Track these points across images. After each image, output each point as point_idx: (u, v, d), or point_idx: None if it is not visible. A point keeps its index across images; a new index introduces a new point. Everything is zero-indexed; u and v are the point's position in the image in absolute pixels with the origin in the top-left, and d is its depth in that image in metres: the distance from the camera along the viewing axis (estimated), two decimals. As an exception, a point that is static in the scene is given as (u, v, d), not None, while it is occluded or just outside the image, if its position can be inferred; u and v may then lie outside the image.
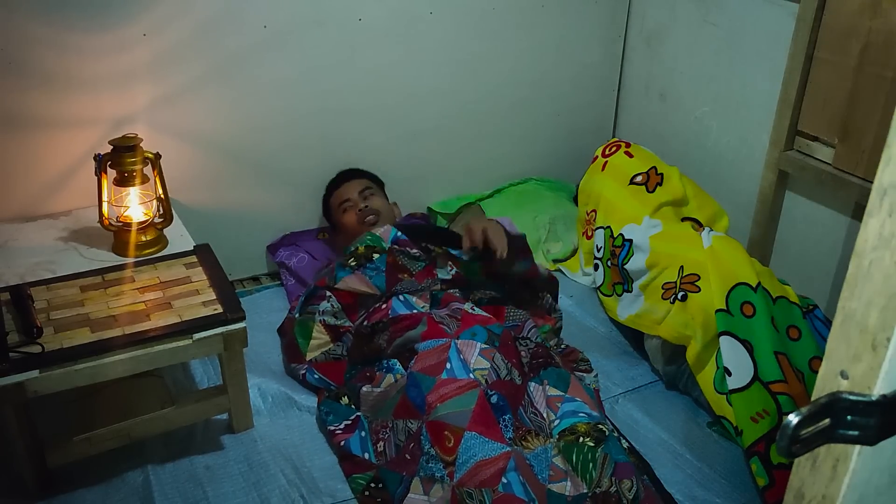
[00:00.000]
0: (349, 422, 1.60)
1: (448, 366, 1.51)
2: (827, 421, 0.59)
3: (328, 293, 1.79)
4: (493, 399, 1.46)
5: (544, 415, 1.53)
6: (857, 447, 0.62)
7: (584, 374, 1.77)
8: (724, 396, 1.58)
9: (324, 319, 1.77)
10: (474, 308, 1.73)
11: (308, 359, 1.76)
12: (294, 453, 1.58)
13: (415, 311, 1.72)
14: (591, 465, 1.39)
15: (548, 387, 1.58)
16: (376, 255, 1.82)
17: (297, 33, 2.00)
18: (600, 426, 1.48)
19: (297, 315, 1.81)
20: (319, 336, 1.77)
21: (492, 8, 2.26)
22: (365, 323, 1.76)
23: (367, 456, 1.52)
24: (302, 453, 1.58)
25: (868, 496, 0.66)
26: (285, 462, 1.56)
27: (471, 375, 1.49)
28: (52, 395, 1.37)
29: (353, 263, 1.81)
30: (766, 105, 2.03)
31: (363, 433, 1.56)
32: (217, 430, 1.63)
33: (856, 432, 0.59)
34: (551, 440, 1.45)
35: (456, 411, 1.42)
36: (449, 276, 1.84)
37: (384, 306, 1.76)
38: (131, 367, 1.42)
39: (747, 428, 1.50)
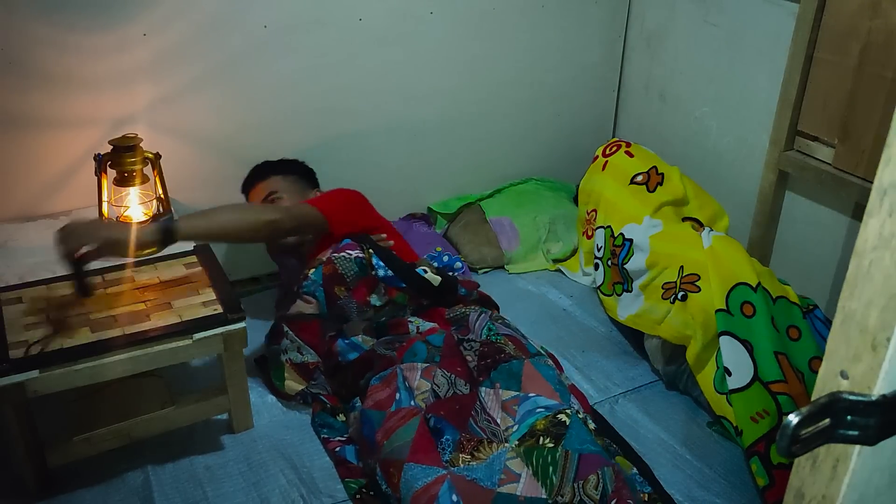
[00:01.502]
0: (342, 438, 1.60)
1: (397, 396, 1.49)
2: (827, 421, 0.59)
3: (284, 328, 1.73)
4: (432, 422, 1.43)
5: (499, 421, 1.48)
6: (857, 447, 0.62)
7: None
8: (724, 396, 1.58)
9: (289, 358, 1.72)
10: (420, 328, 1.69)
11: (291, 395, 1.72)
12: (294, 453, 1.58)
13: (363, 350, 1.69)
14: (550, 468, 1.34)
15: (500, 390, 1.52)
16: (312, 270, 1.72)
17: (297, 33, 2.00)
18: (559, 416, 1.43)
19: (265, 352, 1.77)
20: (290, 376, 1.72)
21: (492, 8, 2.26)
22: (328, 361, 1.73)
23: (360, 465, 1.53)
24: (302, 453, 1.58)
25: (868, 496, 0.66)
26: (285, 462, 1.56)
27: (412, 402, 1.48)
28: (52, 395, 1.37)
29: (295, 289, 1.75)
30: (766, 105, 2.03)
31: (357, 447, 1.57)
32: (217, 430, 1.63)
33: (856, 432, 0.59)
34: (506, 445, 1.42)
35: (398, 444, 1.40)
36: (381, 303, 1.74)
37: (332, 347, 1.71)
38: (131, 367, 1.42)
39: (747, 428, 1.50)
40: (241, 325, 1.50)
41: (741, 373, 1.55)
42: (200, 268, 1.66)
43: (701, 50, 2.26)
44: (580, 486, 1.32)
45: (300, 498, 1.47)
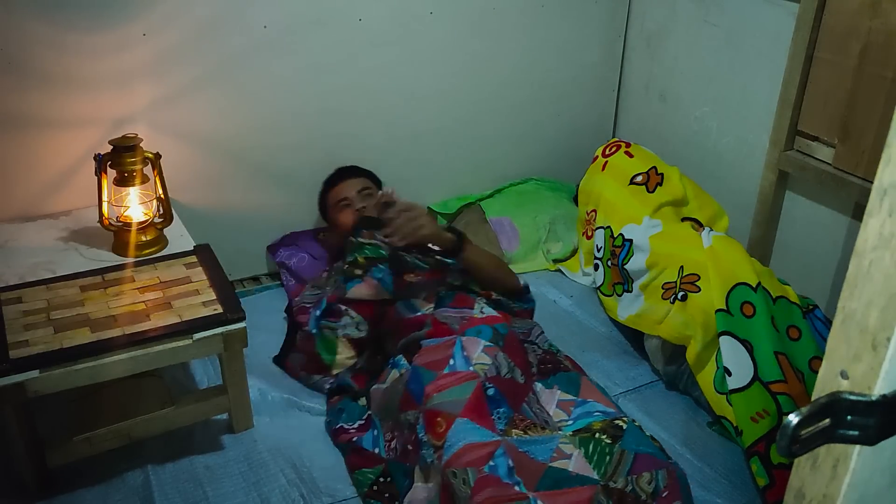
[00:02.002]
0: (362, 421, 1.61)
1: (451, 362, 1.51)
2: (827, 421, 0.59)
3: (343, 307, 1.76)
4: (490, 392, 1.45)
5: (551, 413, 1.53)
6: (857, 447, 0.62)
7: None
8: (724, 396, 1.58)
9: (347, 334, 1.75)
10: (483, 310, 1.71)
11: (334, 372, 1.74)
12: (294, 453, 1.58)
13: (419, 313, 1.72)
14: (607, 457, 1.36)
15: (558, 391, 1.58)
16: (381, 265, 1.83)
17: (297, 33, 2.00)
18: (616, 422, 1.45)
19: (313, 330, 1.77)
20: (345, 351, 1.75)
21: (492, 8, 2.26)
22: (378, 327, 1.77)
23: (377, 451, 1.53)
24: (302, 453, 1.58)
25: (868, 496, 0.66)
26: (285, 462, 1.56)
27: (471, 368, 1.50)
28: (52, 395, 1.37)
29: (360, 272, 1.80)
30: (766, 105, 2.03)
31: (375, 432, 1.57)
32: (217, 430, 1.63)
33: (856, 432, 0.59)
34: (559, 432, 1.44)
35: (451, 399, 1.43)
36: (458, 283, 1.84)
37: (390, 312, 1.76)
38: (131, 367, 1.42)
39: (747, 428, 1.50)
40: (241, 324, 1.50)
41: (741, 373, 1.55)
42: (200, 268, 1.66)
43: (701, 50, 2.26)
44: (633, 479, 1.33)
45: (300, 498, 1.47)
